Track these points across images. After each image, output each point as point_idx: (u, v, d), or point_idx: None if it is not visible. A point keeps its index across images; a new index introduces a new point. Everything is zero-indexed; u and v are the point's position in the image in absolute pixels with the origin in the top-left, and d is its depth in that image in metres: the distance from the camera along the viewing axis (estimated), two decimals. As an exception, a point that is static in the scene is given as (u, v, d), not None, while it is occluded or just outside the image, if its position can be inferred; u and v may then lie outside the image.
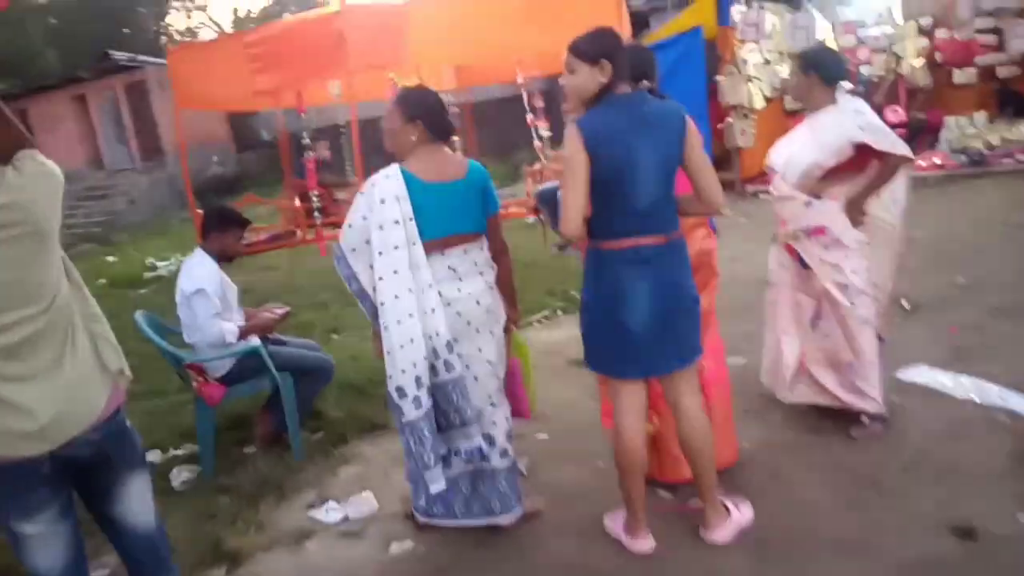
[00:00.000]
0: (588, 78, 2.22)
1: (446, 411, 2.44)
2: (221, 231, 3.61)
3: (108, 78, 18.26)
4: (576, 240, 2.28)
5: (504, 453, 2.61)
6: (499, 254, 2.63)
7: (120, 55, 17.94)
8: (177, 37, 27.75)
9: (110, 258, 11.96)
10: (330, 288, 6.55)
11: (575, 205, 2.18)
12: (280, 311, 3.82)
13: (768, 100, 9.71)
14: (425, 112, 2.46)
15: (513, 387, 2.70)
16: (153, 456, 3.74)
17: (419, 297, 2.35)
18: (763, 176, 9.19)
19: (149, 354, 3.87)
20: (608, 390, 2.57)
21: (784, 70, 9.44)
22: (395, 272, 2.33)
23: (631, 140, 2.18)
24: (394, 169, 2.41)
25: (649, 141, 2.20)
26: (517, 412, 2.72)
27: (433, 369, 2.39)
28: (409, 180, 2.38)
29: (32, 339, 1.69)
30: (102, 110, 19.02)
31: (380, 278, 2.34)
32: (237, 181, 18.16)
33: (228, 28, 28.71)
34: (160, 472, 3.53)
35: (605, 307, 2.32)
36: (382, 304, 2.35)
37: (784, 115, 9.81)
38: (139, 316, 3.59)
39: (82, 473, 1.84)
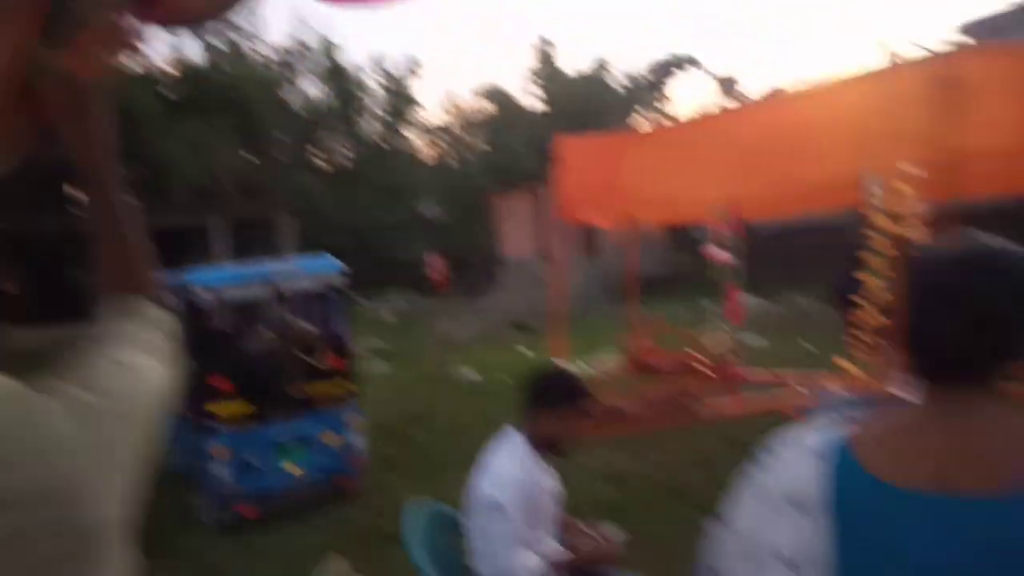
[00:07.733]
0: None
1: None
2: (553, 407, 2.37)
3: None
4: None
5: None
6: None
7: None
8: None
9: (524, 349, 11.75)
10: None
11: None
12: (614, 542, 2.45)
13: None
14: None
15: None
16: None
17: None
18: None
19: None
20: None
21: None
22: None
23: None
24: None
25: None
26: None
27: None
28: None
29: None
30: (550, 205, 20.27)
31: None
32: (668, 282, 17.27)
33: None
34: None
35: None
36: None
37: None
38: (417, 515, 2.38)
39: None
